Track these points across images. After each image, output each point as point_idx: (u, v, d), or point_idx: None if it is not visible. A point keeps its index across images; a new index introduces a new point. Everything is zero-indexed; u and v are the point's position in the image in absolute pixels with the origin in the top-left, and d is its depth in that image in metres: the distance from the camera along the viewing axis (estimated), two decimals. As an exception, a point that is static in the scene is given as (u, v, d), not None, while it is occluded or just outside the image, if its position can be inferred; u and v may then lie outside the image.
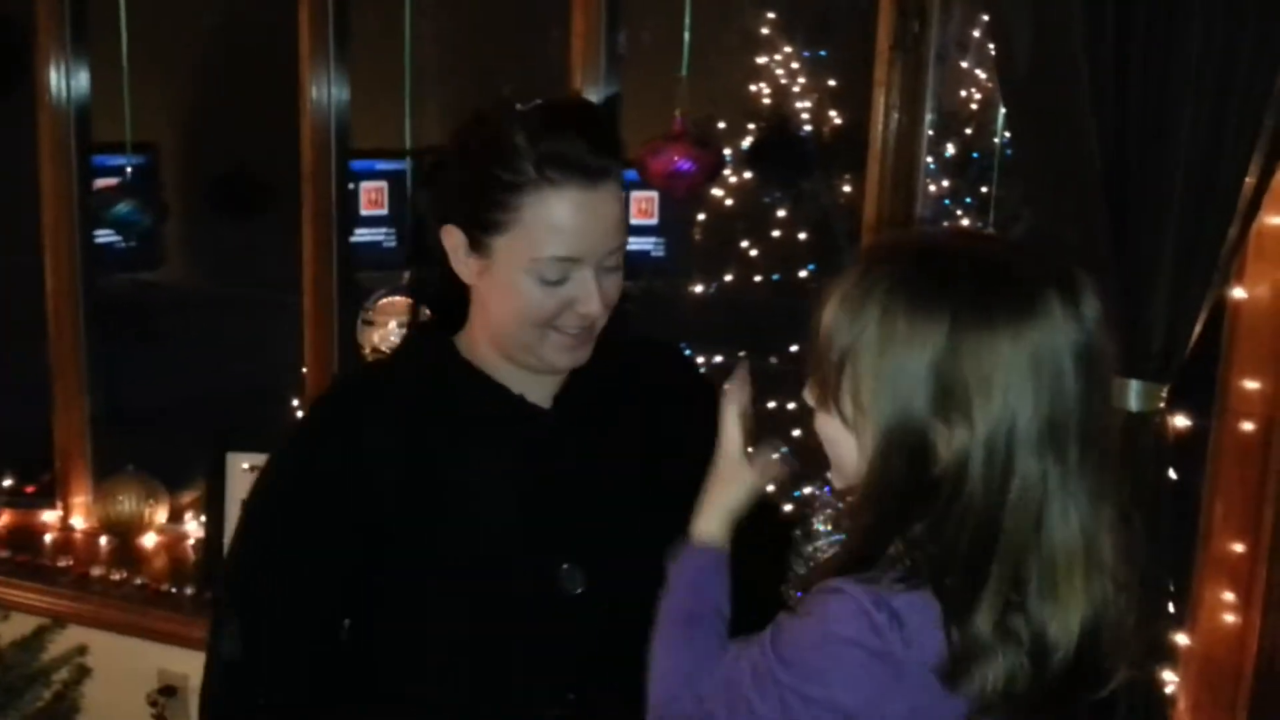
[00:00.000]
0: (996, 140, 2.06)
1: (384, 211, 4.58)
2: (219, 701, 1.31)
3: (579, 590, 1.23)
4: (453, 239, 1.21)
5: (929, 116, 2.24)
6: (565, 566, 1.24)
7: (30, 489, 2.97)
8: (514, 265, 1.17)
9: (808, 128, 3.72)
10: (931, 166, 2.36)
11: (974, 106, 2.99)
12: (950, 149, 2.74)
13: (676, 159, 2.17)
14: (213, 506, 2.67)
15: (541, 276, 1.17)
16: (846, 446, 0.98)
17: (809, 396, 1.02)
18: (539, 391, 1.28)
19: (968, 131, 2.82)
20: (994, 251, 0.98)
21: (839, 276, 0.98)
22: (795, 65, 3.51)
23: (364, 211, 4.50)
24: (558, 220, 1.15)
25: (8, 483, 2.99)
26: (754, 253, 3.46)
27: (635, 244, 4.34)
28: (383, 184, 4.56)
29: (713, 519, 1.11)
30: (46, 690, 1.58)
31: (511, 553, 1.24)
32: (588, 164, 1.14)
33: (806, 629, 0.95)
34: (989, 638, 0.91)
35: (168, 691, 2.59)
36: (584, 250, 1.16)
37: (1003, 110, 2.06)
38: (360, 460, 1.23)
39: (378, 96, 2.79)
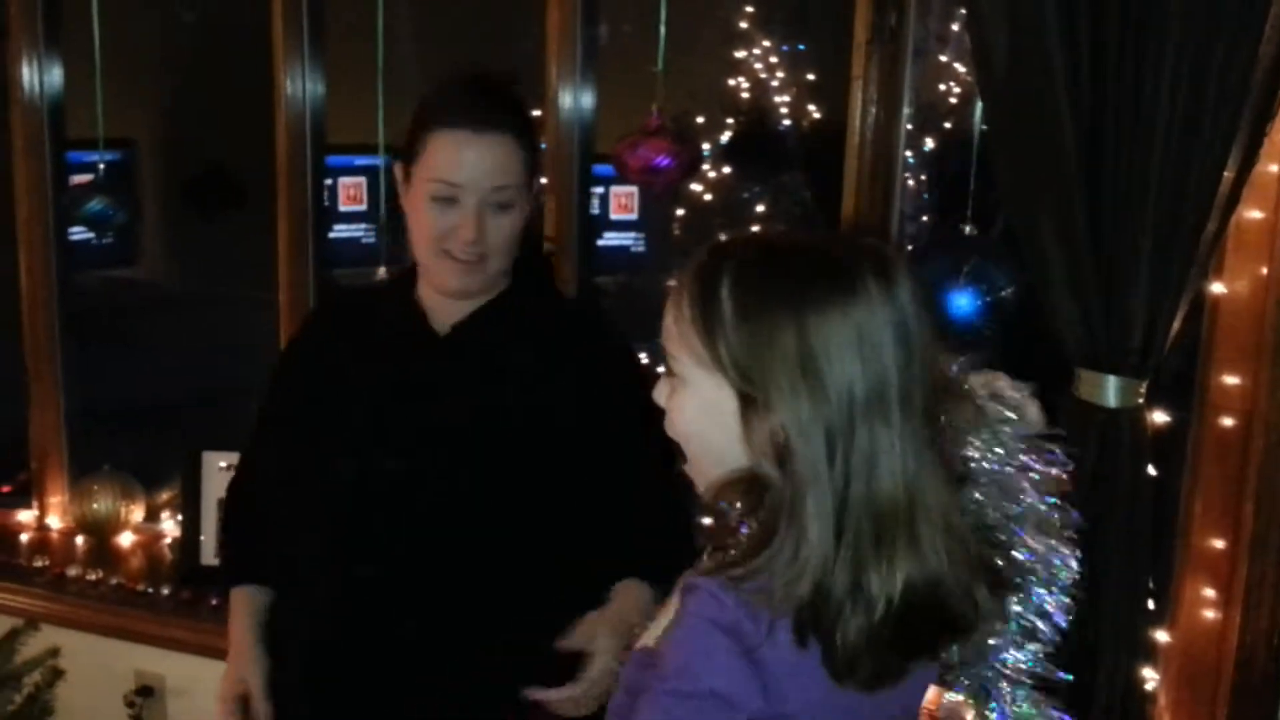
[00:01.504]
0: (975, 134, 2.05)
1: (363, 207, 4.55)
2: (230, 485, 1.79)
3: (401, 474, 1.52)
4: (397, 172, 1.56)
5: (907, 110, 2.24)
6: (389, 460, 1.52)
7: (6, 488, 2.94)
8: (419, 188, 1.50)
9: (786, 122, 3.72)
10: (910, 160, 2.36)
11: (953, 100, 3.00)
12: (929, 143, 2.74)
13: (653, 154, 2.16)
14: (189, 505, 2.65)
15: (433, 195, 1.48)
16: (701, 418, 1.07)
17: (660, 396, 1.10)
18: (447, 319, 1.58)
19: (946, 125, 2.82)
20: (816, 242, 1.09)
21: (682, 275, 1.08)
22: (773, 59, 3.51)
23: (342, 207, 4.47)
24: (447, 151, 1.47)
25: (-10, 484, 2.96)
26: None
27: (614, 239, 4.35)
28: (361, 179, 4.53)
29: None
30: (18, 694, 1.55)
31: (358, 432, 1.55)
32: (475, 115, 1.47)
33: (670, 629, 1.04)
34: (846, 588, 0.99)
35: (145, 692, 2.57)
36: (465, 179, 1.47)
37: (980, 104, 2.06)
38: (309, 342, 1.69)
39: (357, 92, 2.77)
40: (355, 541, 1.55)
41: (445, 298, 1.57)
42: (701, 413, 1.07)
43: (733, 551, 1.04)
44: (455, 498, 1.51)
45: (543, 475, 1.34)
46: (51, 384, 2.88)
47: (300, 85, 2.59)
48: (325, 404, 1.58)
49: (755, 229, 2.62)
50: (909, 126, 2.28)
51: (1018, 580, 1.25)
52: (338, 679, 1.55)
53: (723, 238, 1.19)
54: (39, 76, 2.74)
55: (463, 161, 1.47)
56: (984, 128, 2.03)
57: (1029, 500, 1.27)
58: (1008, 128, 1.76)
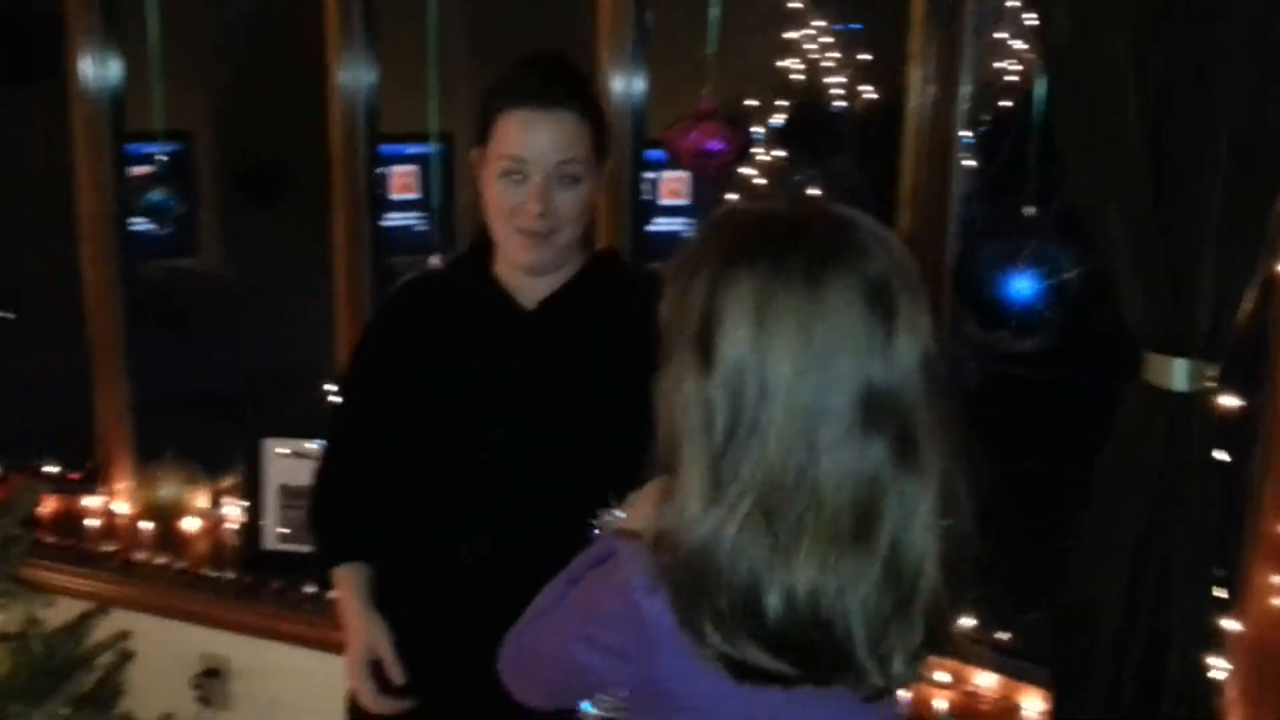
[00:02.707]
0: (1035, 112, 2.01)
1: (415, 195, 4.58)
2: (318, 467, 1.83)
3: (503, 452, 1.57)
4: (471, 155, 1.62)
5: (965, 89, 2.21)
6: (495, 429, 1.58)
7: (74, 475, 3.00)
8: (490, 167, 1.56)
9: (840, 103, 3.68)
10: (968, 140, 2.32)
11: (1010, 78, 2.94)
12: (986, 122, 2.70)
13: (705, 139, 2.15)
14: (251, 490, 2.69)
15: (502, 172, 1.54)
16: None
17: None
18: (530, 296, 1.63)
19: (1004, 104, 2.77)
20: (777, 213, 1.04)
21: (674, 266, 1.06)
22: (827, 39, 3.47)
23: (395, 196, 4.50)
24: (514, 130, 1.54)
25: (51, 469, 3.01)
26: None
27: (665, 224, 4.33)
28: (414, 168, 4.55)
29: None
30: (90, 675, 1.59)
31: (457, 410, 1.61)
32: (539, 94, 1.53)
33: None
34: (730, 552, 0.97)
35: (211, 674, 2.62)
36: (530, 154, 1.53)
37: (1040, 82, 2.03)
38: (394, 327, 1.73)
39: (408, 81, 2.78)
40: (461, 514, 1.60)
41: (524, 275, 1.63)
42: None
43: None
44: (557, 469, 1.55)
45: (635, 445, 1.35)
46: (116, 373, 2.93)
47: (353, 75, 2.60)
48: (421, 384, 1.63)
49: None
50: (966, 105, 2.25)
51: None
52: (442, 651, 1.60)
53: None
54: (98, 71, 2.78)
55: (529, 138, 1.52)
56: (1045, 106, 2.00)
57: None
58: (1070, 103, 1.72)
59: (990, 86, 2.64)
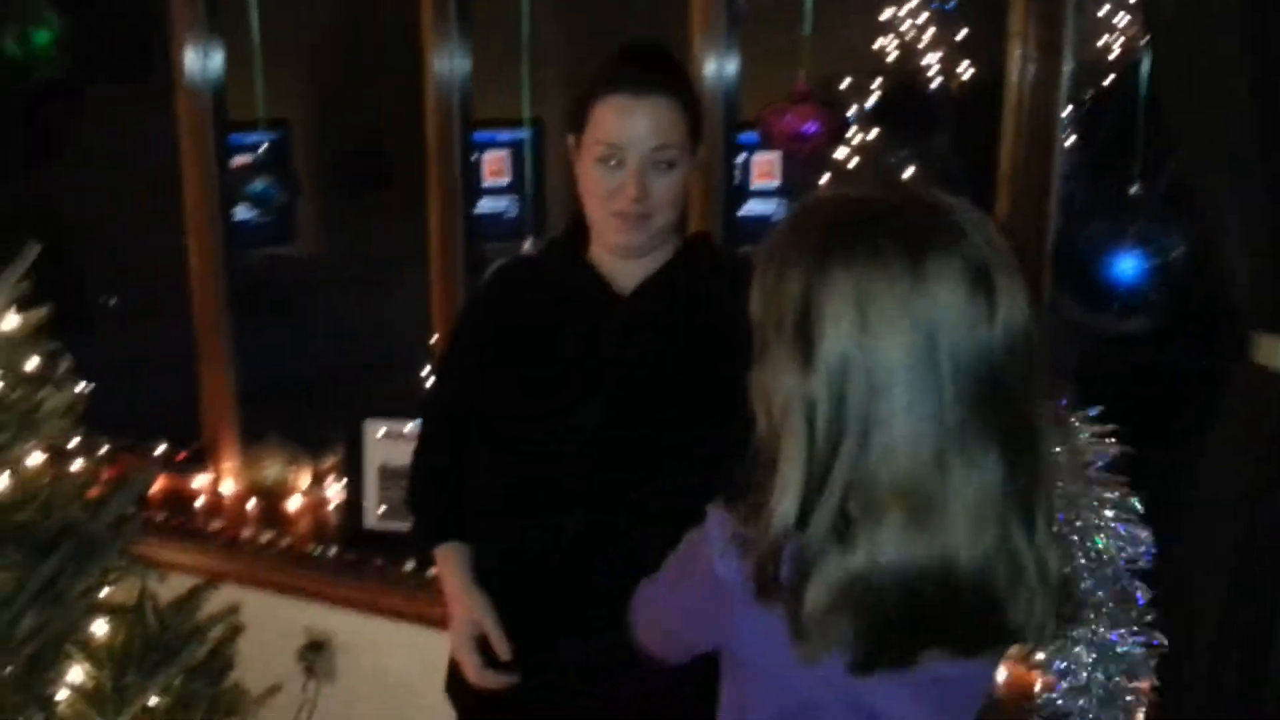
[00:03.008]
0: (1140, 88, 1.96)
1: (506, 181, 4.62)
2: (416, 448, 1.86)
3: (598, 433, 1.59)
4: (569, 142, 1.64)
5: (1067, 66, 2.16)
6: (591, 411, 1.59)
7: (181, 455, 3.10)
8: (587, 153, 1.58)
9: (936, 82, 3.62)
10: (1070, 117, 2.27)
11: (1112, 55, 2.87)
12: (1088, 100, 2.63)
13: (800, 121, 2.14)
14: (352, 470, 2.76)
15: (599, 158, 1.56)
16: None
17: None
18: (626, 281, 1.65)
19: (1106, 81, 2.71)
20: (868, 204, 1.02)
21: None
22: (922, 17, 3.42)
23: (486, 182, 4.54)
24: (609, 116, 1.55)
25: (160, 450, 3.12)
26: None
27: (757, 207, 4.31)
28: (504, 153, 4.59)
29: None
30: (202, 647, 1.65)
31: (553, 393, 1.63)
32: (633, 81, 1.55)
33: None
34: (819, 543, 0.97)
35: (315, 647, 2.70)
36: (627, 140, 1.54)
37: (1145, 57, 1.98)
38: (491, 310, 1.76)
39: (497, 67, 2.81)
40: (557, 495, 1.62)
41: (619, 259, 1.64)
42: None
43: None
44: (650, 450, 1.57)
45: (727, 428, 1.36)
46: (221, 357, 3.02)
47: (448, 63, 2.63)
48: (517, 367, 1.66)
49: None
50: (1068, 83, 2.20)
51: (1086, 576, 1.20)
52: (540, 629, 1.64)
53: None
54: (201, 62, 2.85)
55: (624, 124, 1.55)
56: (1149, 82, 1.95)
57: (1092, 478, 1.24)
58: (1177, 78, 1.68)
59: (1092, 64, 2.58)
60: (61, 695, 1.47)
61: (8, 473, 1.45)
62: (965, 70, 3.56)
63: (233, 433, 3.05)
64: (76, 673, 1.49)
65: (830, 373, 0.96)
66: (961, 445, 0.96)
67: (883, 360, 0.95)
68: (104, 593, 1.56)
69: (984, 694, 1.18)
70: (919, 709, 1.10)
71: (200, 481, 3.03)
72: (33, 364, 1.51)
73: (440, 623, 2.32)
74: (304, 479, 2.97)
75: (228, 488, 3.03)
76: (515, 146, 4.56)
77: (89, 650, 1.50)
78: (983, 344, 0.96)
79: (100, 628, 1.53)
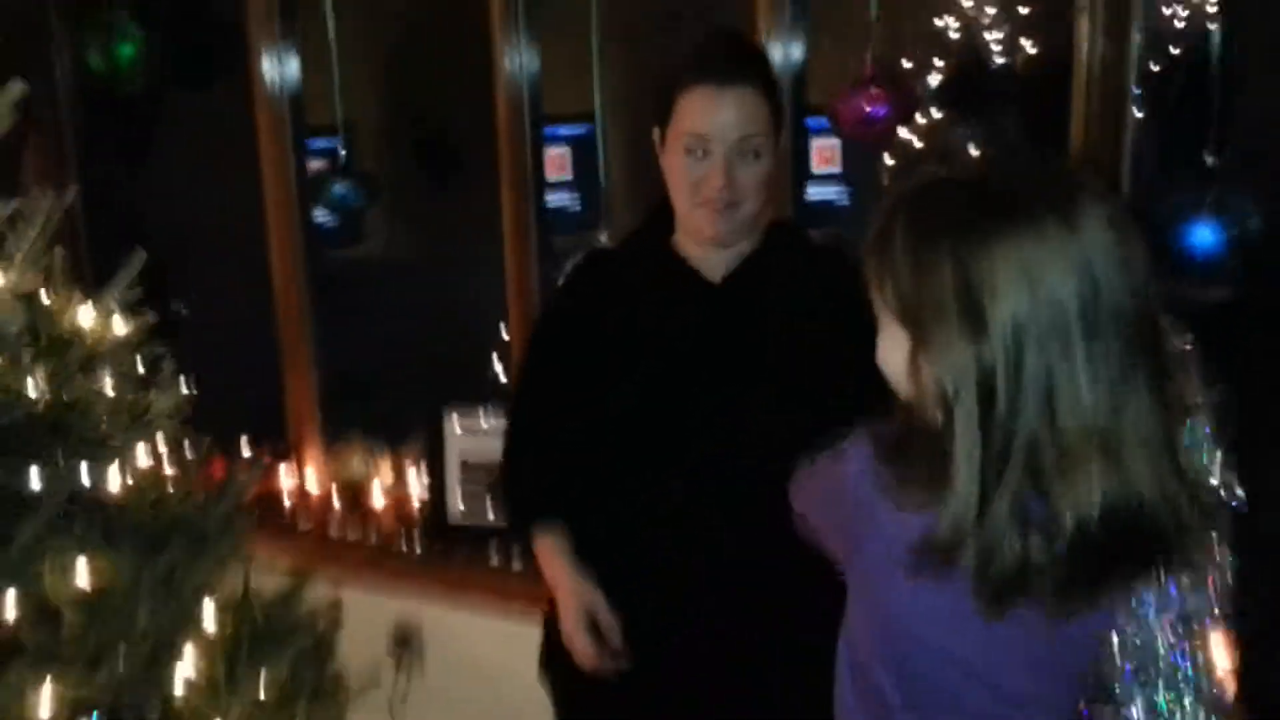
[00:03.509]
0: (1213, 57, 1.95)
1: (568, 176, 4.65)
2: (507, 433, 1.86)
3: (709, 413, 1.62)
4: (654, 135, 1.66)
5: (1136, 40, 2.15)
6: (701, 400, 1.62)
7: (268, 458, 3.18)
8: (673, 143, 1.60)
9: (1000, 60, 3.60)
10: (1138, 90, 2.25)
11: (1180, 24, 2.83)
12: (1159, 72, 2.61)
13: (868, 105, 2.15)
14: (434, 462, 2.82)
15: (686, 148, 1.57)
16: (898, 364, 1.09)
17: (878, 312, 1.12)
18: (714, 269, 1.67)
19: (1175, 51, 2.67)
20: (997, 174, 1.07)
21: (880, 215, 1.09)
22: (985, -4, 3.40)
23: (549, 177, 4.59)
24: (695, 107, 1.57)
25: (247, 451, 3.20)
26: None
27: (817, 193, 4.30)
28: (566, 149, 4.63)
29: None
30: (306, 637, 1.71)
31: (660, 378, 1.65)
32: (718, 70, 1.56)
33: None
34: (1005, 521, 1.00)
35: (404, 639, 2.77)
36: (712, 130, 1.55)
37: (1216, 26, 1.96)
38: (578, 300, 1.77)
39: (559, 62, 2.84)
40: (665, 476, 1.64)
41: (707, 248, 1.66)
42: (887, 354, 1.11)
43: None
44: (761, 435, 1.58)
45: (829, 406, 1.38)
46: (304, 358, 3.10)
47: (517, 61, 2.67)
48: (614, 359, 1.68)
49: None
50: (1137, 56, 2.19)
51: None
52: (649, 616, 1.66)
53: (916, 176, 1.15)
54: (278, 70, 2.92)
55: (710, 114, 1.55)
56: (1222, 51, 1.93)
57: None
58: (1254, 43, 1.66)
59: (1160, 35, 2.56)
60: (177, 686, 1.53)
61: (120, 472, 1.51)
62: (1030, 47, 3.53)
63: (316, 432, 3.13)
64: (189, 665, 1.56)
65: (1006, 339, 0.99)
66: (1127, 384, 1.01)
67: (1057, 315, 0.99)
68: (214, 587, 1.62)
69: (1088, 656, 1.20)
70: (1011, 659, 1.13)
71: (286, 479, 3.12)
72: (139, 368, 1.59)
73: (523, 613, 2.38)
74: (386, 473, 3.04)
75: (313, 485, 3.11)
76: (576, 142, 4.60)
77: (201, 643, 1.56)
78: (1132, 285, 1.01)
79: (211, 622, 1.60)
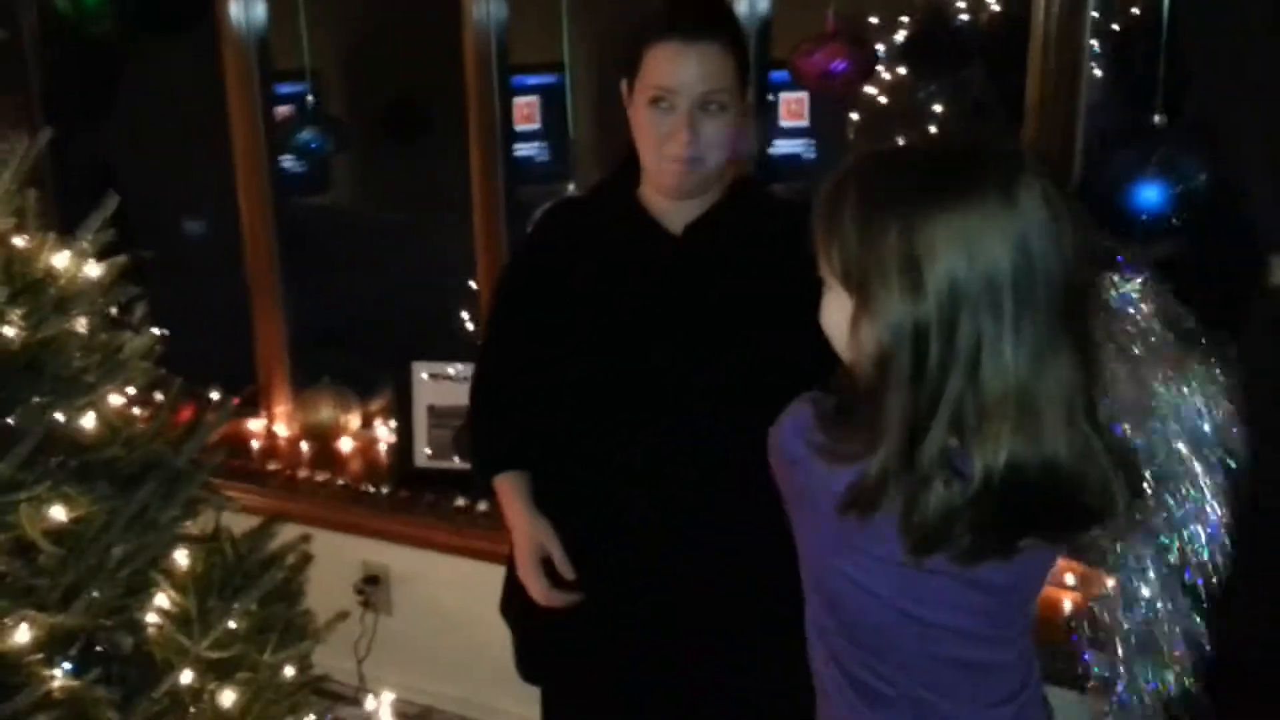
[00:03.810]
0: (1164, 19, 1.99)
1: (537, 126, 4.64)
2: (474, 384, 1.91)
3: (664, 365, 1.66)
4: (621, 87, 1.69)
5: (1092, -1, 2.19)
6: (657, 346, 1.66)
7: (237, 401, 3.20)
8: (639, 96, 1.64)
9: (964, 17, 3.62)
10: (1095, 50, 2.30)
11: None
12: (1117, 32, 2.65)
13: (829, 60, 2.18)
14: (401, 411, 2.86)
15: (651, 100, 1.61)
16: (839, 325, 1.15)
17: (824, 274, 1.17)
18: (676, 221, 1.71)
19: (1134, 10, 2.71)
20: (943, 148, 1.15)
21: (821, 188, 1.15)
22: (950, -48, 3.41)
23: (517, 127, 4.57)
24: (661, 62, 1.60)
25: (215, 395, 3.23)
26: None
27: (785, 146, 4.32)
28: (535, 98, 4.61)
29: None
30: (276, 575, 1.75)
31: (619, 329, 1.69)
32: (684, 27, 1.60)
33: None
34: (930, 469, 1.07)
35: (372, 580, 2.83)
36: (678, 84, 1.59)
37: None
38: (545, 251, 1.81)
39: (526, 11, 2.84)
40: (626, 428, 1.69)
41: (670, 200, 1.70)
42: (830, 315, 1.17)
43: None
44: (715, 381, 1.63)
45: (786, 359, 1.42)
46: (272, 304, 3.13)
47: (485, 9, 2.69)
48: (576, 306, 1.72)
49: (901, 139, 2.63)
50: (1095, 15, 2.23)
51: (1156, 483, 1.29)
52: (608, 552, 1.71)
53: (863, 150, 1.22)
54: (245, 13, 2.92)
55: (676, 69, 1.59)
56: (1171, 15, 1.98)
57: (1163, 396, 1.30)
58: (1198, 12, 1.71)
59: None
60: (150, 619, 1.58)
61: (94, 411, 1.55)
62: (994, 5, 3.55)
63: (285, 378, 3.17)
64: (163, 599, 1.60)
65: (941, 301, 1.06)
66: (1052, 349, 1.08)
67: (992, 283, 1.06)
68: (185, 525, 1.66)
69: (1017, 600, 1.26)
70: (937, 599, 1.20)
71: (255, 425, 3.16)
72: (113, 310, 1.61)
73: (488, 555, 2.43)
74: (354, 421, 3.08)
75: (282, 431, 3.15)
76: (546, 91, 4.58)
77: (174, 578, 1.61)
78: (1064, 257, 1.08)
79: (183, 558, 1.63)
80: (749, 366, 1.62)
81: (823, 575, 1.26)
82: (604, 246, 1.74)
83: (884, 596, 1.20)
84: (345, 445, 3.04)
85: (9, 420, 1.45)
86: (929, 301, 1.06)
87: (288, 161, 3.22)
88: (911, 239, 1.06)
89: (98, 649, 1.54)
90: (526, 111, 4.59)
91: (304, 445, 3.07)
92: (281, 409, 3.16)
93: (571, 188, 2.77)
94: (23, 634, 1.41)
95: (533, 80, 4.50)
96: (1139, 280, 1.64)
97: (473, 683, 2.72)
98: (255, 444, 3.12)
